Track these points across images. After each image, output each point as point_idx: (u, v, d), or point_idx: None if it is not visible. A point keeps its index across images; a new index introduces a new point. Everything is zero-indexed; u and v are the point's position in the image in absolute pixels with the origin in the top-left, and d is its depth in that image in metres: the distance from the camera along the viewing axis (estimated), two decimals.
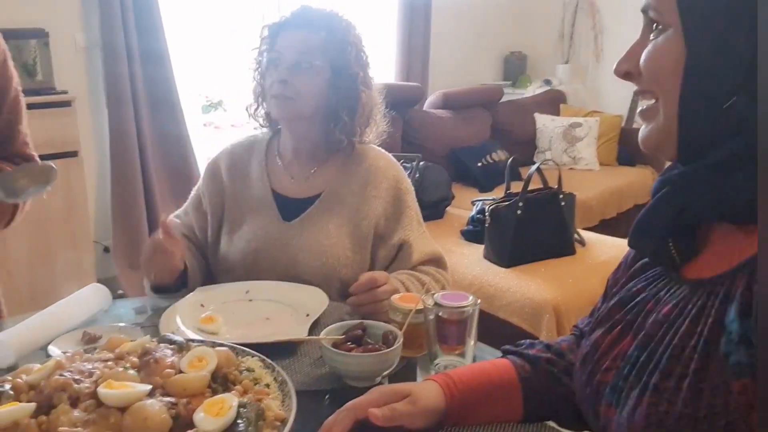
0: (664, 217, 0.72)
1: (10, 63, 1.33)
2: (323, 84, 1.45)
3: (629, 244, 0.80)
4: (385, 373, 1.04)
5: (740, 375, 0.61)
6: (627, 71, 0.74)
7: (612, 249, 2.83)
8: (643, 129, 0.74)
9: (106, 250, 3.36)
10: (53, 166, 1.19)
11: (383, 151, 1.59)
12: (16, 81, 1.34)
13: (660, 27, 0.69)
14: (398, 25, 4.33)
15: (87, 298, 1.30)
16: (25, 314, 1.21)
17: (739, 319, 0.62)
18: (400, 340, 1.04)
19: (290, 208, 1.49)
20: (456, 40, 4.77)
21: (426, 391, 0.89)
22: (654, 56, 0.70)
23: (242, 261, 1.48)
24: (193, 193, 1.62)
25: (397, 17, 4.32)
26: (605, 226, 3.72)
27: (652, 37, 0.70)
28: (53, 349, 1.10)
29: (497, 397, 0.92)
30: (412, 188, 1.57)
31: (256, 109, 1.56)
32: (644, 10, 0.71)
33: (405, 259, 1.47)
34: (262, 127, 1.58)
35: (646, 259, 0.82)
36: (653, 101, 0.72)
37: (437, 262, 1.50)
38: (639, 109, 0.76)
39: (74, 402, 0.81)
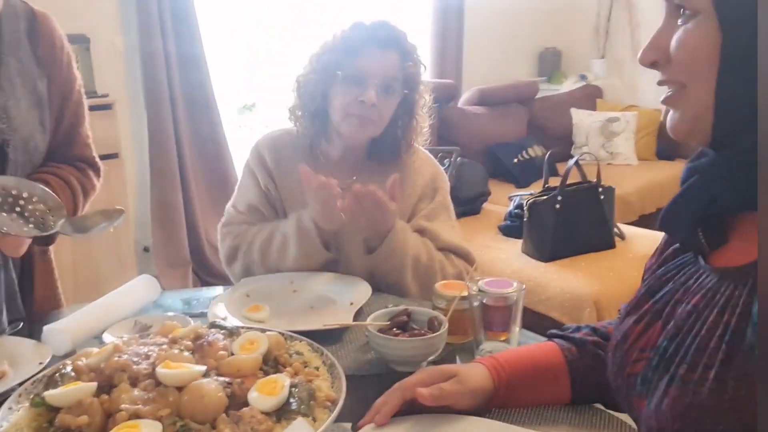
0: (694, 206, 0.71)
1: (74, 65, 1.35)
2: (394, 107, 1.46)
3: (659, 228, 0.79)
4: (431, 358, 1.05)
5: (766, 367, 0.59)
6: (654, 60, 0.71)
7: (652, 242, 2.73)
8: (672, 116, 0.72)
9: (146, 249, 3.43)
10: (122, 210, 1.21)
11: (425, 151, 1.60)
12: (80, 83, 1.36)
13: (688, 12, 0.67)
14: (432, 23, 4.33)
15: (137, 289, 1.33)
16: (72, 307, 1.24)
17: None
18: (445, 326, 1.05)
19: None
20: (490, 37, 4.75)
21: (473, 372, 0.90)
22: (687, 43, 0.67)
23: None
24: (250, 187, 1.55)
25: (431, 16, 4.32)
26: (645, 221, 3.66)
27: (679, 23, 0.68)
28: (108, 336, 1.14)
29: (544, 380, 0.92)
30: (448, 185, 1.58)
31: (302, 114, 1.51)
32: None
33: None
34: (305, 135, 1.53)
35: (678, 245, 0.81)
36: (678, 87, 0.70)
37: (464, 255, 1.49)
38: (665, 96, 0.73)
39: (133, 382, 0.84)
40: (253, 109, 4.01)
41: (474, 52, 4.62)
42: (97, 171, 1.43)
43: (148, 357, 0.88)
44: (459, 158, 3.21)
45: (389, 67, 1.42)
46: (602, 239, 2.73)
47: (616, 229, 2.82)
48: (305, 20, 3.93)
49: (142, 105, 3.28)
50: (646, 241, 2.82)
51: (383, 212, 1.35)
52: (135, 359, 0.88)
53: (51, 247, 1.41)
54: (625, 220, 3.43)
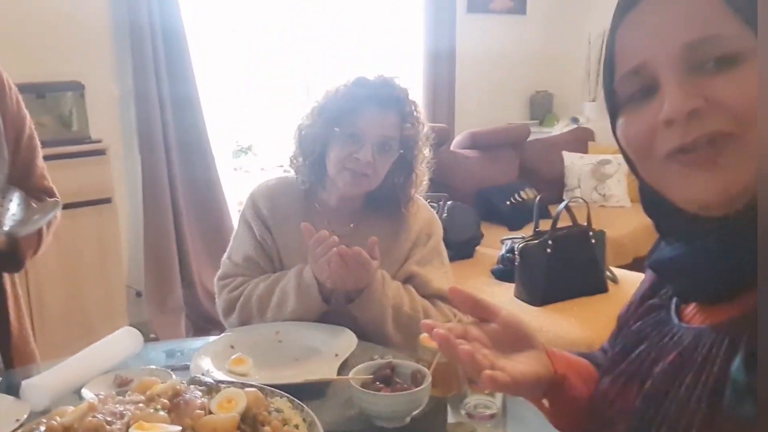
0: (715, 264, 0.65)
1: (22, 102, 1.41)
2: (391, 163, 1.48)
3: (659, 276, 0.76)
4: (415, 412, 1.03)
5: (747, 428, 0.57)
6: (695, 107, 0.61)
7: None
8: (710, 178, 0.62)
9: (139, 294, 3.40)
10: (58, 201, 1.35)
11: (421, 198, 1.62)
12: (29, 119, 1.43)
13: (725, 59, 0.60)
14: (424, 67, 4.39)
15: (119, 342, 1.31)
16: (60, 358, 1.23)
17: (746, 369, 0.59)
18: (428, 380, 1.03)
19: None
20: (481, 80, 4.81)
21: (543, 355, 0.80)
22: (751, 89, 0.58)
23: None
24: (246, 239, 1.55)
25: (422, 60, 4.39)
26: (638, 264, 3.65)
27: (711, 71, 0.61)
28: (86, 392, 1.12)
29: (591, 380, 0.84)
30: (441, 232, 1.60)
31: (301, 163, 1.53)
32: (694, 45, 0.61)
33: (418, 290, 1.48)
34: (304, 183, 1.55)
35: (653, 301, 0.79)
36: (720, 142, 0.61)
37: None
38: (690, 155, 0.62)
39: None
40: (248, 152, 4.03)
41: (466, 95, 4.67)
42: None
43: (122, 416, 0.87)
44: (450, 202, 3.22)
45: (387, 128, 1.44)
46: (594, 283, 2.71)
47: (608, 273, 2.81)
48: (301, 64, 3.99)
49: (136, 149, 3.29)
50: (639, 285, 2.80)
51: (366, 271, 1.36)
52: (109, 419, 0.86)
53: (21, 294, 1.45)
54: (619, 262, 3.42)
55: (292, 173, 1.59)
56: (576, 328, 2.45)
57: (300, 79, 4.02)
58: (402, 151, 1.47)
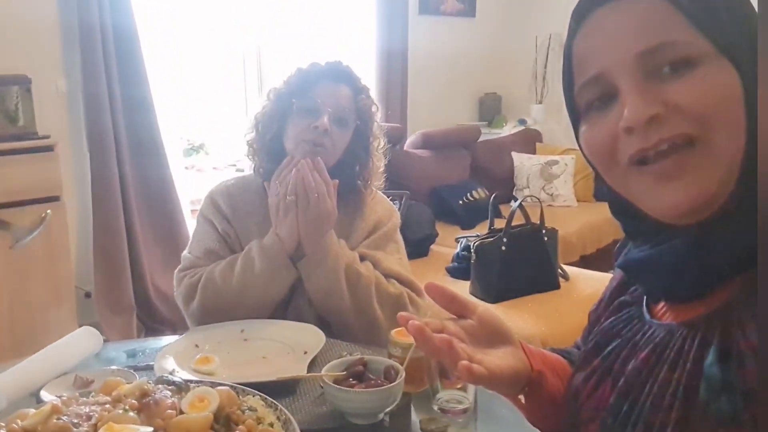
0: (685, 263, 0.65)
1: None
2: (348, 140, 1.51)
3: (626, 273, 0.77)
4: (388, 408, 1.03)
5: (723, 423, 0.58)
6: (655, 114, 0.61)
7: (596, 282, 2.85)
8: (678, 187, 0.62)
9: (88, 295, 3.29)
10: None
11: (381, 194, 1.65)
12: None
13: (682, 65, 0.62)
14: (376, 67, 4.40)
15: (77, 342, 1.27)
16: (8, 362, 1.18)
17: (719, 364, 0.59)
18: (402, 375, 1.03)
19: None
20: (432, 82, 4.86)
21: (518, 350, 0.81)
22: (705, 89, 0.60)
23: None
24: (207, 234, 1.54)
25: (375, 59, 4.39)
26: (585, 262, 3.75)
27: (666, 78, 0.62)
28: (45, 394, 1.07)
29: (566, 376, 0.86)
30: (398, 223, 1.62)
31: (259, 147, 1.54)
32: (648, 52, 0.62)
33: None
34: (261, 168, 1.55)
35: (624, 298, 0.80)
36: (683, 147, 0.61)
37: (406, 283, 1.50)
38: (654, 165, 0.63)
39: None
40: (200, 151, 3.96)
41: (418, 96, 4.71)
42: None
43: (89, 418, 0.83)
44: (409, 201, 3.24)
45: (342, 98, 1.49)
46: (547, 280, 2.77)
47: (560, 270, 2.88)
48: (254, 64, 3.95)
49: (85, 146, 3.19)
50: (589, 281, 2.88)
51: (326, 204, 1.40)
52: (75, 421, 0.83)
53: None
54: (567, 260, 3.51)
55: (248, 171, 1.61)
56: (530, 324, 2.50)
57: (252, 78, 3.97)
58: (358, 122, 1.51)
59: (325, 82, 1.49)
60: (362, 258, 1.49)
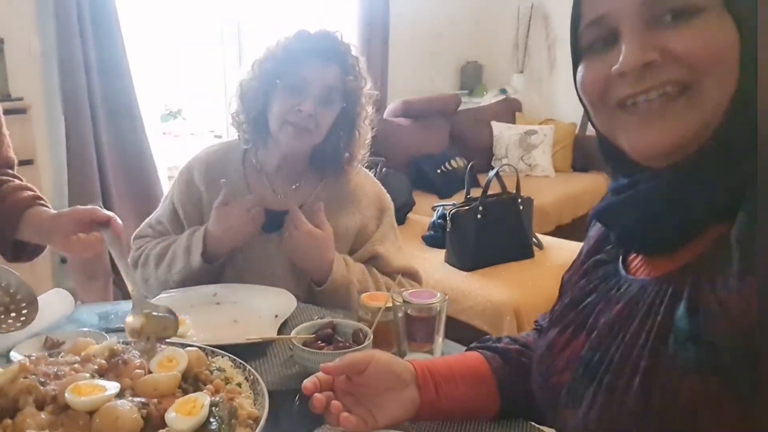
0: (655, 210, 0.68)
1: None
2: (334, 117, 1.46)
3: (598, 220, 0.79)
4: None
5: (689, 373, 0.60)
6: (652, 59, 0.64)
7: (569, 252, 2.87)
8: (660, 128, 0.65)
9: (63, 260, 3.27)
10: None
11: (366, 171, 1.62)
12: None
13: (685, 12, 0.63)
14: (358, 34, 4.34)
15: (49, 304, 1.27)
16: None
17: (688, 317, 0.62)
18: (370, 338, 1.05)
19: (270, 220, 1.47)
20: (413, 50, 4.82)
21: (393, 359, 0.90)
22: (702, 38, 0.62)
23: (219, 270, 1.49)
24: (165, 203, 1.59)
25: (356, 26, 4.34)
26: (561, 232, 3.79)
27: (669, 24, 0.64)
28: (15, 355, 1.08)
29: (472, 385, 0.91)
30: (392, 206, 1.61)
31: (243, 121, 1.50)
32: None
33: (380, 270, 1.51)
34: (247, 141, 1.53)
35: (599, 257, 0.82)
36: (676, 92, 0.64)
37: (411, 276, 1.54)
38: (640, 106, 0.66)
39: (41, 405, 0.80)
40: (177, 116, 3.91)
41: (398, 63, 4.67)
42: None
43: (57, 377, 0.84)
44: (384, 169, 3.23)
45: (329, 78, 1.42)
46: (521, 249, 2.81)
47: (534, 240, 2.91)
48: (233, 29, 3.88)
49: (60, 110, 3.13)
50: (563, 251, 2.92)
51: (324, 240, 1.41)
52: (43, 380, 0.83)
53: None
54: (543, 230, 3.54)
55: (226, 137, 1.58)
56: (503, 291, 2.54)
57: (232, 45, 3.91)
58: (345, 104, 1.46)
59: (313, 61, 1.41)
60: (376, 257, 1.50)
